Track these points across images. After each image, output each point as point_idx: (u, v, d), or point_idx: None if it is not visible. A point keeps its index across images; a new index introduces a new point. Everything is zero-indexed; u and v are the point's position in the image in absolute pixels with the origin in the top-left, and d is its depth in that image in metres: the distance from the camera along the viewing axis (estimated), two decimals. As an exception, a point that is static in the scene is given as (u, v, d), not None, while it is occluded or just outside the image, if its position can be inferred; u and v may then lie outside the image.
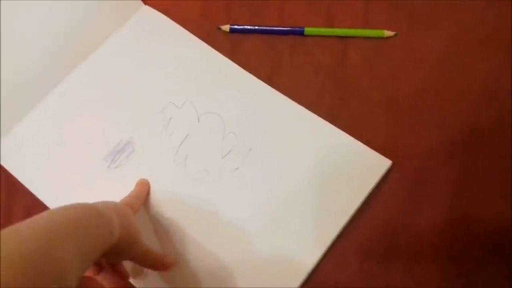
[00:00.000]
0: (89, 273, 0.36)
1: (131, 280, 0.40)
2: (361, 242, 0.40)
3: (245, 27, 0.48)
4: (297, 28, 0.48)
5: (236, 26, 0.48)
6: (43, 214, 0.28)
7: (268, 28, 0.48)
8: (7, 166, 0.45)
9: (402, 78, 0.45)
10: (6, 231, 0.25)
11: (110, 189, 0.43)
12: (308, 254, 0.39)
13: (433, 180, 0.41)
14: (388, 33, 0.47)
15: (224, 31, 0.49)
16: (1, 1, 0.43)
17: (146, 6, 0.50)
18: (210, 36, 0.49)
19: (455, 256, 0.39)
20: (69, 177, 0.44)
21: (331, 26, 0.48)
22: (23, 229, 0.26)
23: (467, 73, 0.44)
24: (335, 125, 0.43)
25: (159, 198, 0.43)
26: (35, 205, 0.44)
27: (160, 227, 0.42)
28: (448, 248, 0.39)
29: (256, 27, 0.48)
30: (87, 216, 0.30)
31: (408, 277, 0.39)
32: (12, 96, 0.46)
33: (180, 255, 0.41)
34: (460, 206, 0.40)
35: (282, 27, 0.48)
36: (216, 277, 0.40)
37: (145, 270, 0.40)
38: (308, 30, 0.48)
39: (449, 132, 0.42)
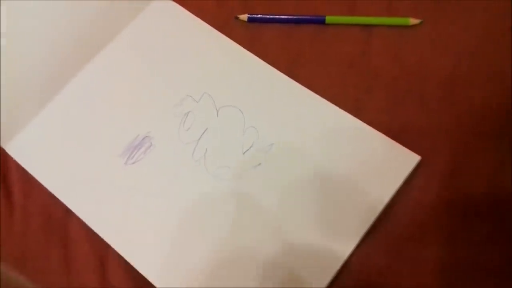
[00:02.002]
0: None
1: (150, 279, 0.39)
2: (391, 240, 0.39)
3: (264, 16, 0.46)
4: (318, 17, 0.46)
5: (254, 15, 0.47)
6: None
7: (288, 17, 0.46)
8: (22, 163, 0.44)
9: (429, 68, 0.43)
10: None
11: (127, 185, 0.42)
12: (335, 253, 0.38)
13: (465, 175, 0.39)
14: (413, 21, 0.45)
15: (242, 21, 0.47)
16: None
17: (161, -4, 0.48)
18: (227, 26, 0.47)
19: (491, 258, 0.37)
20: (85, 174, 0.43)
21: (354, 14, 0.46)
22: None
23: (498, 61, 0.42)
24: (360, 118, 0.41)
25: (179, 196, 0.41)
26: (53, 203, 0.43)
27: (179, 224, 0.41)
28: (484, 245, 0.38)
29: (276, 16, 0.46)
30: None
31: (439, 277, 0.37)
32: (25, 92, 0.44)
33: (201, 253, 0.39)
34: (495, 203, 0.38)
35: (303, 15, 0.46)
36: (238, 276, 0.39)
37: (164, 267, 0.39)
38: (329, 18, 0.46)
39: (481, 124, 0.41)
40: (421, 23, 0.45)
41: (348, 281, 0.38)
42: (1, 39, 0.43)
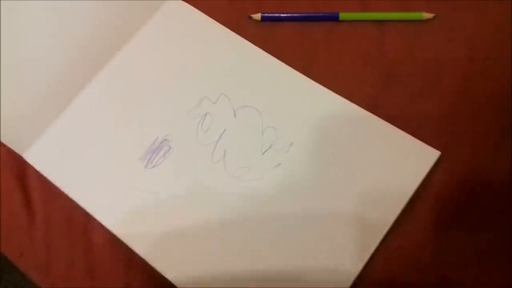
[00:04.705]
0: None
1: (174, 281, 0.39)
2: (413, 238, 0.39)
3: (278, 14, 0.46)
4: (331, 14, 0.46)
5: (268, 14, 0.46)
6: None
7: (301, 15, 0.46)
8: (42, 170, 0.44)
9: (445, 62, 0.43)
10: None
11: (148, 189, 0.42)
12: (358, 251, 0.38)
13: (486, 169, 0.40)
14: (427, 15, 0.45)
15: (255, 20, 0.47)
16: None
17: (173, -2, 0.48)
18: (240, 26, 0.47)
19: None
20: (106, 180, 0.43)
21: (366, 10, 0.46)
22: None
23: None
24: (378, 115, 0.42)
25: (199, 198, 0.41)
26: (74, 210, 0.43)
27: (201, 227, 0.41)
28: (509, 240, 0.38)
29: (289, 15, 0.46)
30: None
31: (465, 275, 0.38)
32: (41, 99, 0.44)
33: (223, 255, 0.40)
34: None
35: (316, 13, 0.46)
36: (261, 278, 0.39)
37: (187, 269, 0.40)
38: (343, 15, 0.46)
39: (500, 117, 0.41)
40: (434, 17, 0.45)
41: (372, 276, 0.38)
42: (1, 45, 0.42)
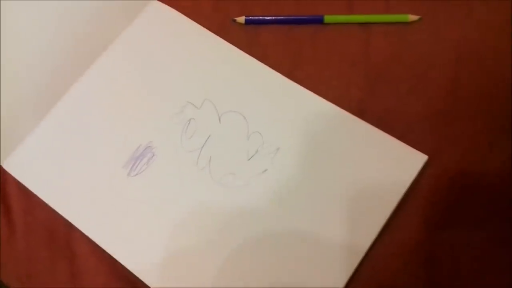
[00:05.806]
0: None
1: (151, 285, 0.39)
2: (403, 242, 0.38)
3: (262, 17, 0.46)
4: (316, 17, 0.45)
5: (252, 17, 0.46)
6: None
7: (286, 17, 0.46)
8: (21, 179, 0.43)
9: (432, 64, 0.43)
10: None
11: (132, 198, 0.41)
12: (348, 256, 0.38)
13: (478, 171, 0.39)
14: (412, 17, 0.44)
15: (239, 23, 0.46)
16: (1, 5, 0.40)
17: (155, 1, 0.47)
18: (224, 30, 0.46)
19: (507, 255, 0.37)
20: (87, 188, 0.42)
21: (352, 12, 0.46)
22: None
23: (501, 54, 0.42)
24: (365, 118, 0.41)
25: (184, 206, 0.41)
26: (55, 219, 0.42)
27: (186, 235, 0.40)
28: (499, 242, 0.38)
29: (274, 17, 0.46)
30: None
31: (456, 278, 0.37)
32: (20, 107, 0.43)
33: (209, 263, 0.39)
34: (508, 199, 0.38)
35: (301, 16, 0.45)
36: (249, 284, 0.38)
37: (172, 278, 0.39)
38: (328, 18, 0.45)
39: (489, 119, 0.41)
40: (420, 19, 0.44)
41: (361, 285, 0.38)
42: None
